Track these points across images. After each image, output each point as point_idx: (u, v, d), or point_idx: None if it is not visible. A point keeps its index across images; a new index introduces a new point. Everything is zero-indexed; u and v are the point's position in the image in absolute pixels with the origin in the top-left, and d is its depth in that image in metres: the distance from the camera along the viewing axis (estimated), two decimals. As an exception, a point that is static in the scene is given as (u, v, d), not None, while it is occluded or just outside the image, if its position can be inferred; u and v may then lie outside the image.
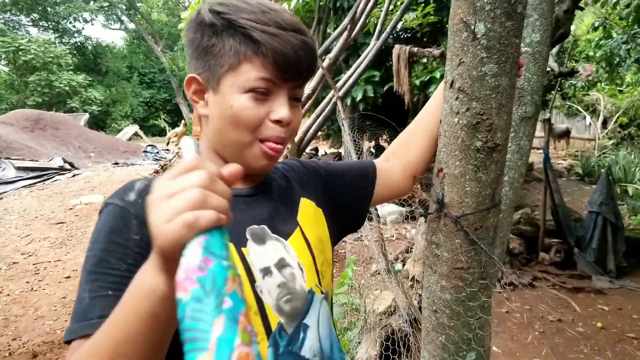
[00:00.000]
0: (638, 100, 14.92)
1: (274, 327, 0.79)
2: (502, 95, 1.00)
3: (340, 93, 4.97)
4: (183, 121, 16.06)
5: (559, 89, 10.07)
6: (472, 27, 0.97)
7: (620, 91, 15.29)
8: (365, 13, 5.09)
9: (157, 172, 9.32)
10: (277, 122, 0.81)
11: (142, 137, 20.22)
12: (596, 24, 7.32)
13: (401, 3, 5.58)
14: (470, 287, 1.08)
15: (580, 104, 15.87)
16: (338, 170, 1.10)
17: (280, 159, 1.03)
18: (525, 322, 3.91)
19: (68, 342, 0.66)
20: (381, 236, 3.01)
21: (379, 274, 3.45)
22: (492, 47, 0.97)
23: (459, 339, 1.10)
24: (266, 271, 0.81)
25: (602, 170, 8.72)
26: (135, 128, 20.36)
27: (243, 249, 0.80)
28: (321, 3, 7.60)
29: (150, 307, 0.55)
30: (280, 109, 0.80)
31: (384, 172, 1.12)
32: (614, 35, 6.94)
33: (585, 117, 16.81)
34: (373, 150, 11.02)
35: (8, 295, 4.28)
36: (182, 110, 27.25)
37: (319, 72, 4.66)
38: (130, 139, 18.70)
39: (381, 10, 5.48)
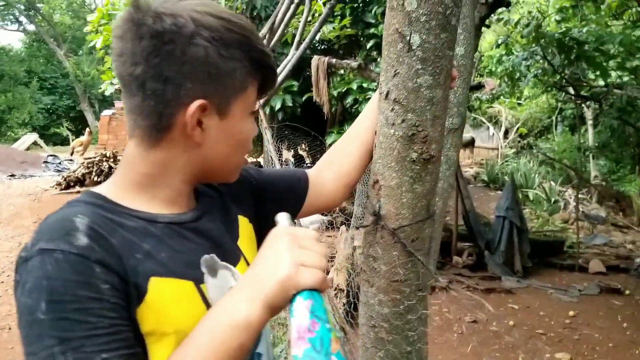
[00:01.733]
0: (535, 112, 16.28)
1: None
2: (436, 106, 1.01)
3: (260, 102, 4.91)
4: (88, 129, 15.08)
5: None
6: (408, 38, 0.96)
7: (520, 104, 16.60)
8: (284, 23, 5.09)
9: (59, 184, 8.65)
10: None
11: (42, 147, 18.76)
12: (499, 42, 7.87)
13: (319, 15, 5.64)
14: (409, 299, 1.07)
15: (484, 115, 17.01)
16: (269, 179, 1.05)
17: None
18: (444, 324, 4.06)
19: None
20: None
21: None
22: (427, 58, 0.97)
23: (399, 354, 1.09)
24: None
25: (506, 177, 9.39)
26: (34, 137, 18.84)
27: (202, 286, 0.73)
28: (238, 11, 7.51)
29: (240, 339, 0.59)
30: (255, 127, 0.83)
31: (316, 182, 1.08)
32: (514, 52, 7.48)
33: (488, 128, 18.05)
34: (292, 159, 11.04)
35: None
36: (88, 117, 25.64)
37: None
38: (28, 149, 17.27)
39: (299, 21, 5.51)
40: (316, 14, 6.50)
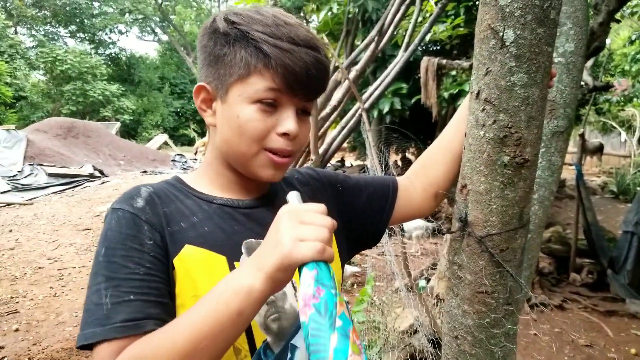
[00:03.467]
0: (676, 116, 14.41)
1: (258, 344, 0.79)
2: (532, 107, 0.93)
3: (366, 105, 4.93)
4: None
5: (593, 103, 9.79)
6: (501, 33, 0.90)
7: (658, 107, 14.79)
8: (393, 25, 5.06)
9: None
10: (284, 134, 0.81)
11: (171, 147, 20.55)
12: (632, 37, 7.08)
13: (430, 15, 5.51)
14: (495, 313, 1.00)
15: (615, 119, 15.42)
16: (357, 185, 1.06)
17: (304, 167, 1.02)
18: (555, 346, 3.74)
19: (85, 347, 0.68)
20: (404, 252, 2.92)
21: (400, 291, 3.35)
22: (522, 55, 0.90)
23: (482, 369, 1.02)
24: None
25: (638, 188, 8.41)
26: (165, 137, 20.71)
27: (235, 263, 0.81)
28: (349, 15, 7.59)
29: (241, 305, 0.63)
30: (287, 121, 0.80)
31: (405, 191, 1.08)
32: (652, 49, 6.70)
33: (620, 134, 16.31)
34: (400, 163, 10.92)
35: (32, 300, 4.33)
36: (211, 120, 27.62)
37: (345, 83, 4.63)
38: (159, 148, 19.02)
39: (409, 22, 5.43)
40: (427, 14, 6.35)
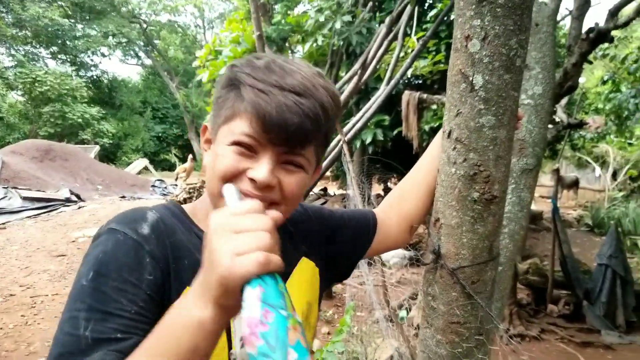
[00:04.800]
0: (648, 153, 14.89)
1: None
2: (499, 147, 0.99)
3: (349, 136, 5.00)
4: (190, 156, 16.17)
5: (568, 139, 10.09)
6: (471, 78, 0.97)
7: (630, 144, 15.28)
8: (376, 59, 5.19)
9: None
10: (252, 180, 0.74)
11: (151, 172, 20.39)
12: (605, 77, 7.40)
13: (412, 50, 5.68)
14: (467, 342, 1.04)
15: (590, 155, 15.87)
16: (340, 221, 1.07)
17: None
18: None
19: None
20: (383, 282, 2.94)
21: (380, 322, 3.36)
22: (490, 99, 0.97)
23: (454, 399, 1.05)
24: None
25: (612, 221, 8.62)
26: (145, 162, 20.56)
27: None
28: (334, 48, 7.77)
29: (193, 340, 0.55)
30: (259, 168, 0.74)
31: (382, 224, 1.10)
32: (623, 89, 6.99)
33: (594, 169, 16.76)
34: (382, 193, 11.00)
35: (1, 329, 4.19)
36: (194, 146, 27.58)
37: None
38: (139, 173, 18.84)
39: (392, 57, 5.58)
40: (409, 50, 6.54)
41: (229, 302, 0.54)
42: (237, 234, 0.54)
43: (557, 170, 6.43)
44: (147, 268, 0.69)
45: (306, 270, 0.96)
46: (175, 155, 26.73)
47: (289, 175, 0.78)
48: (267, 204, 0.75)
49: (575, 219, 12.34)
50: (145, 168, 20.23)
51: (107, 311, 0.64)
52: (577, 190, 15.52)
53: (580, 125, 6.15)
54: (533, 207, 12.60)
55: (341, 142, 4.16)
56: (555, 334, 4.75)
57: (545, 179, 15.33)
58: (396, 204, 1.14)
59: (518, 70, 0.97)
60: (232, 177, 0.74)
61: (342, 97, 5.15)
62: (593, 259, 7.57)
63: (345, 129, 4.86)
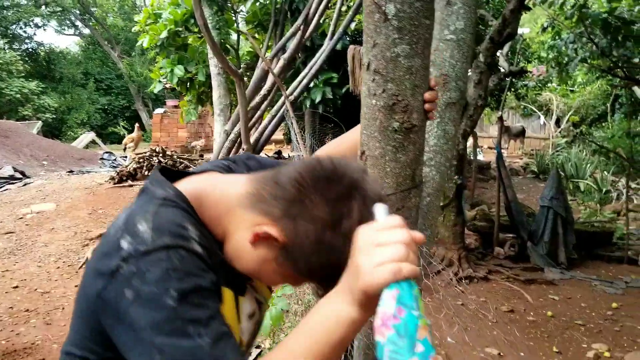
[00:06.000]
0: (588, 99, 15.54)
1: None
2: (415, 76, 1.02)
3: (295, 93, 4.98)
4: (137, 125, 15.64)
5: (512, 89, 10.37)
6: (383, 8, 0.98)
7: (572, 91, 15.88)
8: (318, 13, 5.12)
9: (112, 178, 9.06)
10: None
11: (99, 145, 19.67)
12: (545, 25, 7.55)
13: (353, 4, 5.63)
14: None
15: (534, 104, 16.40)
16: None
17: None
18: (479, 313, 3.99)
19: None
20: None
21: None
22: (403, 27, 0.99)
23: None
24: (251, 315, 0.90)
25: (553, 167, 9.03)
26: (92, 135, 19.76)
27: (240, 298, 0.85)
28: (277, 6, 7.59)
29: (343, 334, 0.65)
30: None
31: None
32: (564, 36, 7.18)
33: (539, 117, 17.39)
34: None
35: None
36: (142, 116, 26.62)
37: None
38: (87, 147, 18.14)
39: (334, 11, 5.52)
40: (351, 3, 6.48)
41: (372, 304, 0.61)
42: (377, 247, 0.61)
43: (500, 118, 6.63)
44: (209, 272, 0.71)
45: None
46: (123, 127, 25.82)
47: None
48: None
49: (522, 167, 12.87)
50: (93, 142, 19.46)
51: (205, 317, 0.66)
52: (524, 140, 16.11)
53: (522, 73, 6.32)
54: (481, 158, 13.04)
55: (285, 101, 4.13)
56: (502, 274, 5.02)
57: (494, 130, 15.82)
58: None
59: (428, -2, 0.98)
60: None
61: (287, 55, 5.07)
62: (537, 203, 7.97)
63: (290, 88, 4.83)
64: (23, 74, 22.64)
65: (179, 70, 7.46)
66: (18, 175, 10.88)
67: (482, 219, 6.08)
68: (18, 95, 21.21)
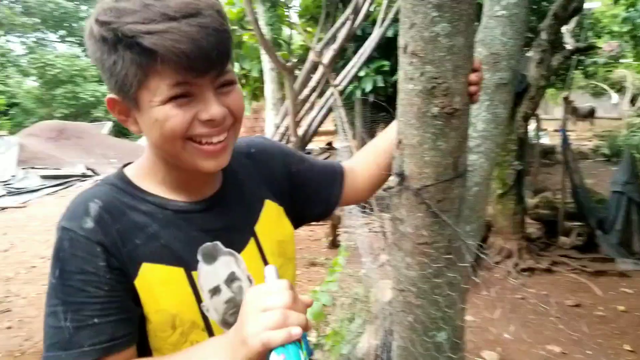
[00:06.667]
0: (667, 75, 14.38)
1: None
2: (457, 56, 0.93)
3: (344, 82, 4.92)
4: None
5: (580, 66, 9.75)
6: (419, -16, 0.91)
7: (649, 67, 14.74)
8: (368, 1, 5.02)
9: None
10: (209, 121, 0.74)
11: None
12: (617, -4, 6.99)
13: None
14: (436, 262, 1.02)
15: (605, 82, 15.38)
16: (309, 169, 1.08)
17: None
18: (540, 308, 3.78)
19: None
20: (382, 227, 2.94)
21: (384, 265, 3.39)
22: (443, 4, 0.90)
23: (427, 319, 1.04)
24: (215, 290, 0.84)
25: (628, 149, 8.42)
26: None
27: (193, 273, 0.81)
28: (328, -2, 7.53)
29: None
30: (208, 107, 0.73)
31: (350, 177, 1.12)
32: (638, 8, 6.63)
33: (611, 96, 16.29)
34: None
35: (24, 298, 4.40)
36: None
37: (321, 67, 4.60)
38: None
39: (385, -1, 5.39)
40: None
41: None
42: (263, 312, 0.64)
43: (566, 98, 6.23)
44: (100, 256, 0.73)
45: (271, 212, 0.97)
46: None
47: (230, 96, 0.77)
48: (226, 131, 0.78)
49: (592, 150, 12.11)
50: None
51: (79, 301, 0.71)
52: (594, 120, 15.15)
53: (590, 49, 5.92)
54: (545, 141, 12.37)
55: (333, 90, 4.08)
56: (567, 265, 4.73)
57: (559, 112, 15.01)
58: (364, 162, 1.15)
59: (470, -29, 0.90)
60: (186, 131, 0.74)
61: (336, 45, 5.01)
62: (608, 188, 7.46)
63: (339, 77, 4.76)
64: (96, 79, 24.09)
65: (234, 68, 7.61)
66: (89, 172, 11.54)
67: (545, 207, 5.75)
68: (91, 99, 22.64)
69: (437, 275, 1.02)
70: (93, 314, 0.71)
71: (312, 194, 1.06)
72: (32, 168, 11.03)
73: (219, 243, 0.85)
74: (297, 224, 1.05)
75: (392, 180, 1.07)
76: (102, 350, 0.71)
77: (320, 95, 5.23)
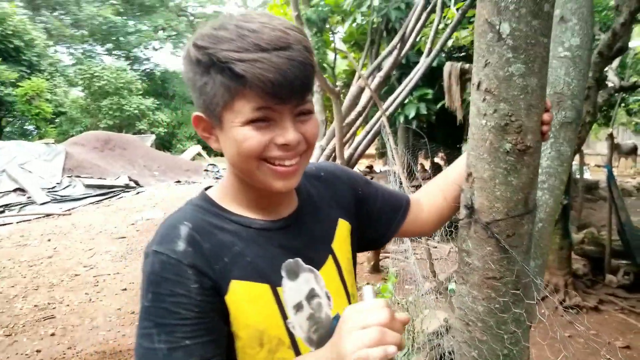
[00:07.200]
0: None
1: None
2: (531, 95, 0.96)
3: (390, 109, 4.97)
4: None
5: (623, 104, 9.54)
6: (497, 27, 0.94)
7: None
8: (415, 32, 5.09)
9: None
10: (284, 145, 0.79)
11: (204, 157, 20.91)
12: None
13: (451, 21, 5.52)
14: (503, 297, 1.03)
15: (650, 119, 14.93)
16: (373, 190, 1.11)
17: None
18: (590, 347, 3.66)
19: None
20: (429, 255, 2.93)
21: (428, 294, 3.35)
22: (519, 46, 0.94)
23: (492, 355, 1.05)
24: (298, 307, 0.87)
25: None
26: (198, 148, 21.07)
27: (278, 289, 0.85)
28: (374, 25, 7.65)
29: None
30: (285, 132, 0.78)
31: (414, 209, 1.13)
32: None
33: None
34: (428, 169, 10.84)
35: (68, 305, 4.51)
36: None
37: (367, 91, 4.67)
38: (193, 159, 19.38)
39: (431, 30, 5.45)
40: (449, 21, 6.37)
41: None
42: (362, 329, 0.67)
43: (611, 135, 6.09)
44: (192, 278, 0.77)
45: (343, 230, 1.02)
46: (225, 140, 27.12)
47: (306, 124, 0.83)
48: (299, 155, 0.83)
49: (635, 187, 11.71)
50: (199, 154, 20.73)
51: (171, 323, 0.74)
52: (636, 158, 14.67)
53: (634, 87, 5.80)
54: (588, 176, 12.03)
55: (381, 117, 4.13)
56: (615, 304, 4.57)
57: (601, 147, 14.59)
58: (430, 196, 1.16)
59: (546, 16, 0.93)
60: (262, 152, 0.79)
61: (382, 72, 5.09)
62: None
63: (386, 104, 4.82)
64: (141, 92, 24.82)
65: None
66: (132, 184, 11.86)
67: (591, 243, 5.60)
68: (136, 111, 23.31)
69: (503, 310, 1.03)
70: (185, 335, 0.74)
71: (374, 216, 1.09)
72: (77, 177, 11.40)
73: (300, 260, 0.89)
74: (357, 246, 1.08)
75: (461, 212, 1.09)
76: None
77: (366, 119, 5.30)
